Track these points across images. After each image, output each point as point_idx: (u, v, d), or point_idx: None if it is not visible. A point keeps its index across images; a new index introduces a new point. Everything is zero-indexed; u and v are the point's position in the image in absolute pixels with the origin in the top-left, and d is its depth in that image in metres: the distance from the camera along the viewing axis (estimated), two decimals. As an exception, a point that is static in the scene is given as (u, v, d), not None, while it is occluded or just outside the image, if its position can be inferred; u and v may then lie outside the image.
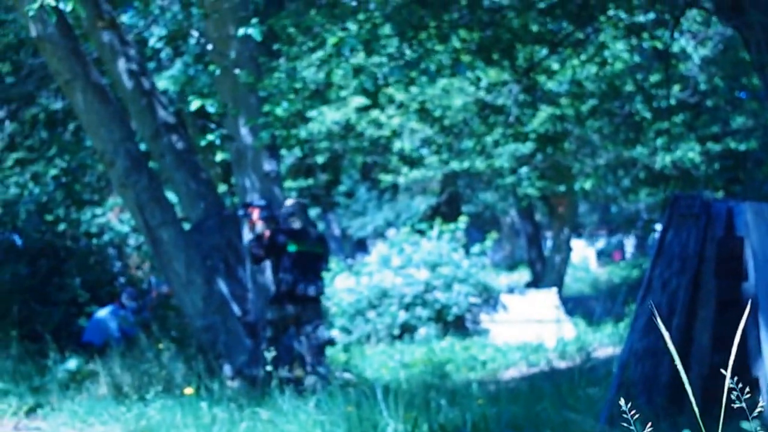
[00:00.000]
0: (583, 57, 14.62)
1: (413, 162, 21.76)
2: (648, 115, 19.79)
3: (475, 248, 21.95)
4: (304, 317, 12.37)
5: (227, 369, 12.79)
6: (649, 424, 3.06)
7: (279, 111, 12.07)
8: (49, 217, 17.01)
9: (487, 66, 14.32)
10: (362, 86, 18.03)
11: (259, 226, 12.68)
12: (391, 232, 22.96)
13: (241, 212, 13.15)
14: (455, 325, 21.40)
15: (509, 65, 14.40)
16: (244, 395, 11.26)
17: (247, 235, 13.19)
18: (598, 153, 21.56)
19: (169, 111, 14.13)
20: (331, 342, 12.90)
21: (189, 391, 11.10)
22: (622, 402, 2.93)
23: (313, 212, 36.59)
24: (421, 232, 22.70)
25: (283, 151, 24.58)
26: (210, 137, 13.04)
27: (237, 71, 12.66)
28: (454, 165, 21.44)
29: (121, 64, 13.43)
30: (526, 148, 20.66)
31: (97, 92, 12.70)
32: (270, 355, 11.53)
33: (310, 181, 25.49)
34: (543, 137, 20.39)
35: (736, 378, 8.91)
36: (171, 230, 12.93)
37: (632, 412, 2.93)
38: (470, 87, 16.27)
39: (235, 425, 9.39)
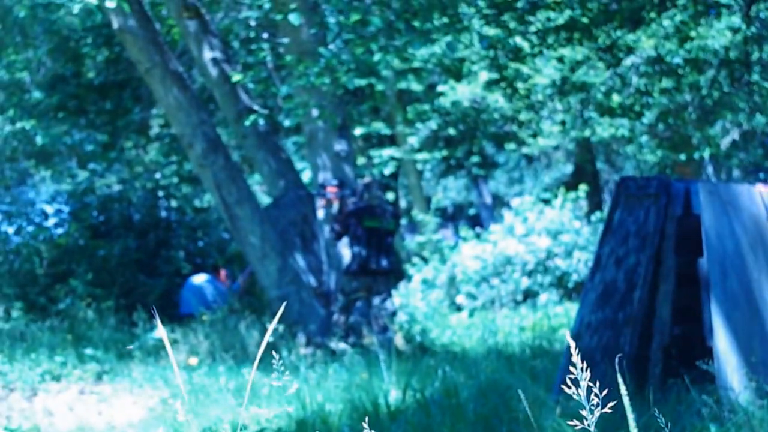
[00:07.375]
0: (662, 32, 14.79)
1: (537, 134, 22.19)
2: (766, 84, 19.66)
3: (595, 216, 22.19)
4: (375, 289, 13.20)
5: (300, 337, 13.54)
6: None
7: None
8: (161, 193, 18.02)
9: (568, 45, 14.65)
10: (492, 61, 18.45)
11: (337, 204, 13.52)
12: (515, 201, 23.34)
13: (315, 191, 13.99)
14: (576, 291, 21.73)
15: (589, 43, 14.69)
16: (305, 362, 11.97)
17: (322, 212, 14.00)
18: (720, 123, 21.49)
19: (252, 95, 14.88)
20: (395, 313, 13.56)
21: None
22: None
23: (462, 182, 37.33)
24: (546, 201, 23.04)
25: (419, 124, 25.29)
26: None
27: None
28: (576, 134, 21.78)
29: (206, 52, 14.24)
30: (647, 118, 20.76)
31: (175, 79, 13.61)
32: (341, 324, 12.41)
33: (444, 152, 26.27)
34: (663, 108, 20.47)
35: (696, 348, 9.36)
36: (246, 207, 13.76)
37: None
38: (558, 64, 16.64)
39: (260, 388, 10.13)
